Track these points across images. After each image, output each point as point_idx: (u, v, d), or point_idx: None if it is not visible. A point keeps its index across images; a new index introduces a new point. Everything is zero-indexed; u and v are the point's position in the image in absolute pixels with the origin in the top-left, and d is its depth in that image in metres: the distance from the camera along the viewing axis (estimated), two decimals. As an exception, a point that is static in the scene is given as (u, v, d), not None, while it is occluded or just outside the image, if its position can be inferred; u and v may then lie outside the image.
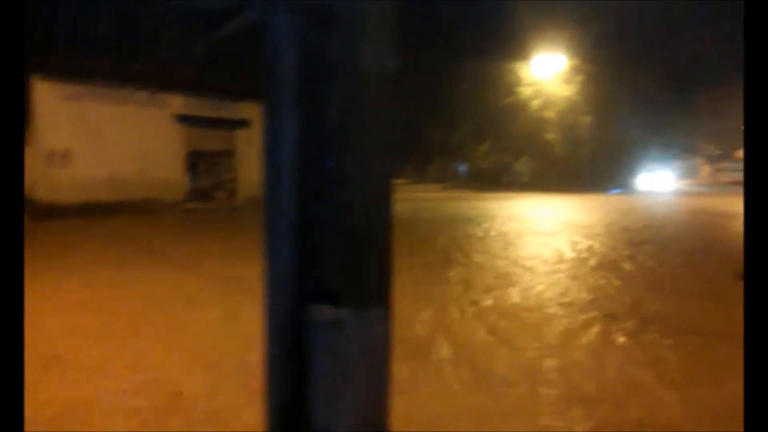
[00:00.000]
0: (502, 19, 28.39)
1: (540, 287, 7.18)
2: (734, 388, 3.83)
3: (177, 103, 19.75)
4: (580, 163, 30.13)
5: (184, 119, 19.86)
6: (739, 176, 45.31)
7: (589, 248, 10.29)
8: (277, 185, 1.25)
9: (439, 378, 4.09)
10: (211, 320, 5.63)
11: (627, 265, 8.68)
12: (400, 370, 4.04)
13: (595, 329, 5.36)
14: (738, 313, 6.07)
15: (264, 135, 1.27)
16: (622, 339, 5.07)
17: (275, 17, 1.21)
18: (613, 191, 29.37)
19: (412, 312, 5.74)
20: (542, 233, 12.67)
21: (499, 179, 34.84)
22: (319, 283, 1.34)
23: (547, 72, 30.34)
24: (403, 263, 8.24)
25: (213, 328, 5.38)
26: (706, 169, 52.75)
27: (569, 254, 9.61)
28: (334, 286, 1.40)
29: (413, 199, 23.96)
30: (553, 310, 6.05)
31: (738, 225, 14.73)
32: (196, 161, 21.24)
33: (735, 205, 21.58)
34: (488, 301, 6.39)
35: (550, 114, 30.03)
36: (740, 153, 49.68)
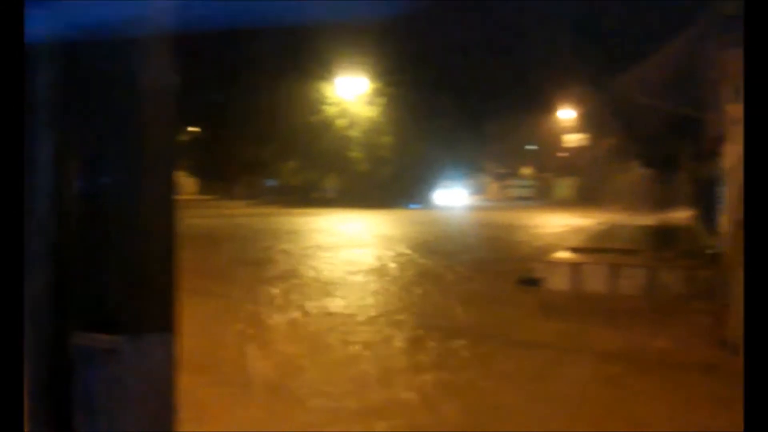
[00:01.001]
0: (308, 38, 28.84)
1: (336, 297, 7.36)
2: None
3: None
4: (383, 180, 31.47)
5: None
6: (522, 192, 50.33)
7: (386, 259, 10.76)
8: (34, 207, 1.16)
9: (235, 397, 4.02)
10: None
11: (421, 274, 9.20)
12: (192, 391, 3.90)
13: (377, 333, 5.73)
14: (511, 315, 6.71)
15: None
16: (398, 341, 5.39)
17: (29, 29, 1.13)
18: (413, 206, 31.00)
19: (201, 332, 5.56)
20: (343, 246, 12.96)
21: (307, 195, 35.15)
22: (91, 309, 1.26)
23: (351, 93, 31.37)
24: (205, 282, 8.00)
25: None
26: (494, 186, 57.83)
27: (367, 266, 9.95)
28: (108, 311, 1.32)
29: (219, 216, 23.33)
30: (348, 317, 6.22)
31: (520, 236, 16.31)
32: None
33: (517, 218, 23.85)
34: (288, 311, 6.42)
35: (354, 133, 31.04)
36: (524, 171, 55.25)
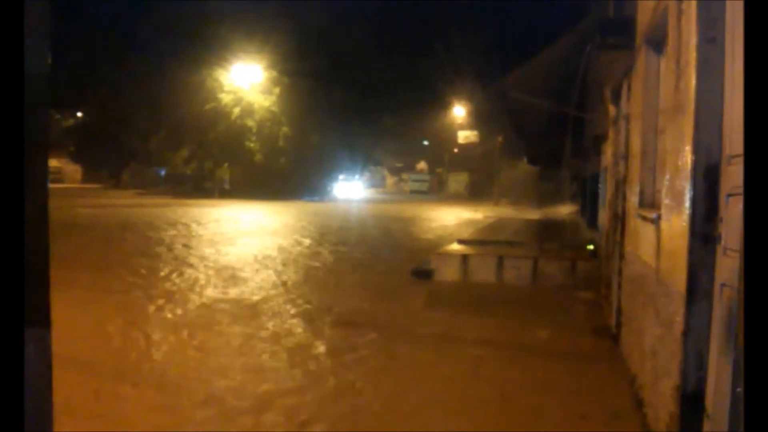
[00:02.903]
0: (199, 22, 28.01)
1: (226, 288, 7.25)
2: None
3: None
4: (281, 172, 30.99)
5: None
6: (418, 186, 51.42)
7: (281, 251, 10.68)
8: None
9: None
10: None
11: (316, 265, 9.22)
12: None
13: (262, 324, 5.72)
14: (401, 306, 6.84)
15: None
16: (297, 329, 5.42)
17: None
18: (312, 198, 30.86)
19: (73, 325, 5.34)
20: (237, 237, 12.70)
21: (201, 185, 34.09)
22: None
23: (246, 81, 30.46)
24: (80, 274, 7.64)
25: None
26: (391, 180, 58.94)
27: (258, 258, 9.80)
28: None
29: (104, 206, 22.19)
30: (236, 308, 6.15)
31: (414, 229, 16.64)
32: None
33: (412, 211, 24.33)
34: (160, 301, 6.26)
35: (250, 123, 30.26)
36: (420, 165, 56.55)
